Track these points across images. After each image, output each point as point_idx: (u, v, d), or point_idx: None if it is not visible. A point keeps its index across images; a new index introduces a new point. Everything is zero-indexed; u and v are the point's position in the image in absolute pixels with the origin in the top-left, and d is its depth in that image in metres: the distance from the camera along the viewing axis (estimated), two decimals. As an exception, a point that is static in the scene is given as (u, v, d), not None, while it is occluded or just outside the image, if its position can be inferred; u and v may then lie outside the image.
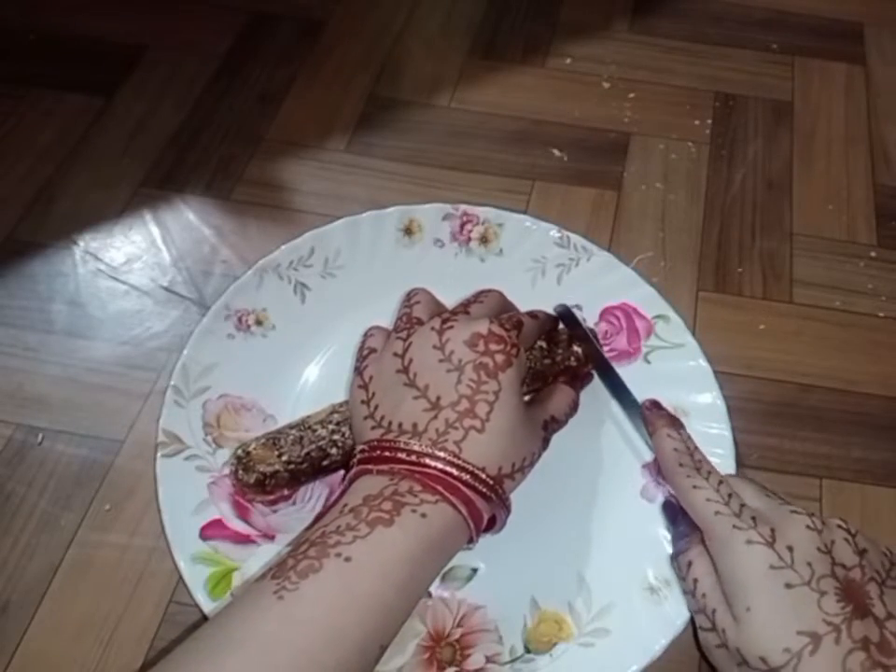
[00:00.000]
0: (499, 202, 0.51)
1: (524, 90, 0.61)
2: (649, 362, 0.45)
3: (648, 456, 0.42)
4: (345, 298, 0.47)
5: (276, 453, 0.38)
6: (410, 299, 0.41)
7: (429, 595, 0.38)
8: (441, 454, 0.33)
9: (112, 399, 0.45)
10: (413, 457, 0.33)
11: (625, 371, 0.44)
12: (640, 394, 0.43)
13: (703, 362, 0.44)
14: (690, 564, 0.36)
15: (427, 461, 0.33)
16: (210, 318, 0.45)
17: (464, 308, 0.39)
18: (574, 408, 0.41)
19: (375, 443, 0.35)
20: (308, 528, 0.38)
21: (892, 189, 0.56)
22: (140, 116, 0.58)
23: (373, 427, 0.36)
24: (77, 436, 0.44)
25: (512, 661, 0.37)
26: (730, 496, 0.36)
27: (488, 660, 0.37)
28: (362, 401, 0.37)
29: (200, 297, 0.49)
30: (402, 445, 0.34)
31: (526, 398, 0.40)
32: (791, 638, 0.32)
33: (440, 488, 0.33)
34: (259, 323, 0.45)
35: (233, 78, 0.61)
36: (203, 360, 0.43)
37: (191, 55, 0.62)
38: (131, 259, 0.51)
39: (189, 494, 0.40)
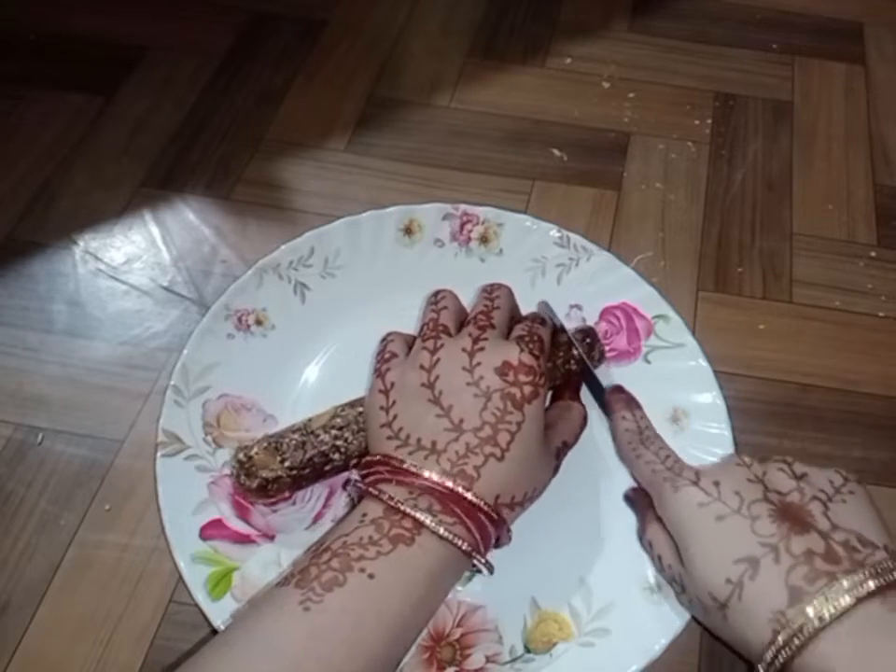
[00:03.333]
0: (499, 202, 0.51)
1: (524, 90, 0.61)
2: (649, 362, 0.45)
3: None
4: (345, 298, 0.47)
5: (278, 458, 0.38)
6: (437, 303, 0.40)
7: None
8: (461, 482, 0.33)
9: (112, 399, 0.45)
10: (430, 482, 0.33)
11: (625, 371, 0.44)
12: (640, 394, 0.43)
13: (703, 362, 0.44)
14: (650, 544, 0.37)
15: (448, 485, 0.33)
16: (210, 318, 0.45)
17: (487, 318, 0.39)
18: (585, 425, 0.41)
19: (383, 458, 0.35)
20: (327, 532, 0.38)
21: (892, 188, 0.56)
22: (140, 115, 0.58)
23: (389, 437, 0.35)
24: (77, 436, 0.44)
25: (512, 661, 0.37)
26: (667, 456, 0.37)
27: (488, 660, 0.37)
28: (381, 407, 0.37)
29: (200, 297, 0.49)
30: (414, 469, 0.33)
31: None
32: (730, 568, 0.32)
33: (458, 510, 0.33)
34: (258, 323, 0.45)
35: (233, 78, 0.61)
36: (202, 360, 0.43)
37: (191, 55, 0.62)
38: (131, 259, 0.51)
39: (188, 494, 0.40)
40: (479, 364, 0.36)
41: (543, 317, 0.41)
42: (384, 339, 0.41)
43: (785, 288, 0.51)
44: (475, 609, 0.38)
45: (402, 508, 0.32)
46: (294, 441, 0.38)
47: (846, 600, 0.29)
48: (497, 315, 0.39)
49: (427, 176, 0.55)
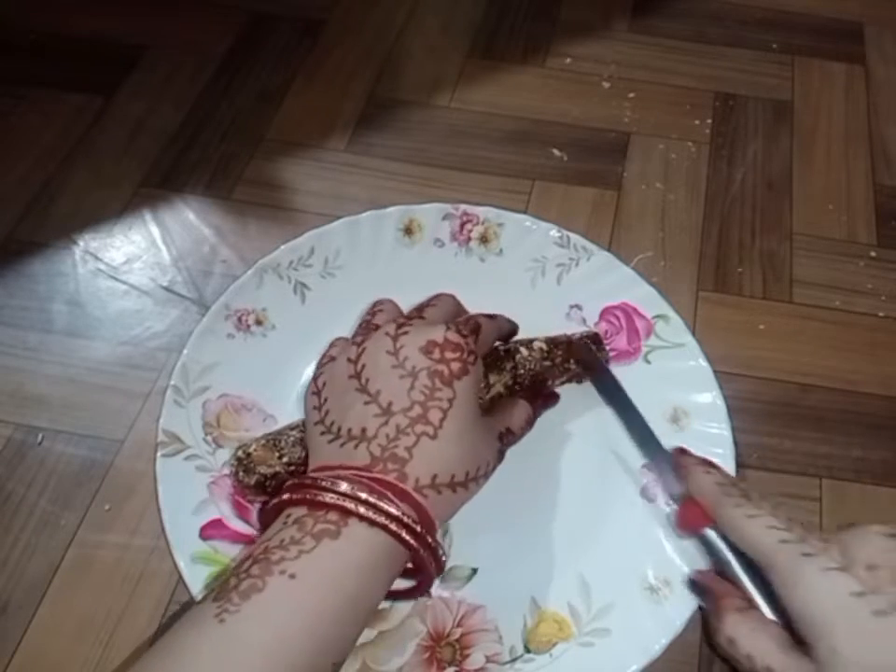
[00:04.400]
0: (499, 201, 0.51)
1: (524, 90, 0.61)
2: (649, 362, 0.45)
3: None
4: (345, 298, 0.47)
5: (277, 454, 0.38)
6: (373, 307, 0.41)
7: (429, 594, 0.38)
8: (392, 465, 0.32)
9: (112, 399, 0.45)
10: (363, 474, 0.32)
11: (625, 371, 0.44)
12: (640, 394, 0.43)
13: (703, 362, 0.44)
14: (731, 641, 0.32)
15: (381, 467, 0.32)
16: (210, 318, 0.45)
17: (418, 313, 0.39)
18: (530, 424, 0.40)
19: (323, 468, 0.33)
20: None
21: (892, 188, 0.56)
22: (140, 115, 0.58)
23: (322, 433, 0.35)
24: (76, 436, 0.44)
25: (512, 661, 0.37)
26: (790, 520, 0.33)
27: (488, 660, 0.37)
28: (314, 407, 0.37)
29: (200, 297, 0.49)
30: (351, 475, 0.32)
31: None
32: None
33: (389, 494, 0.31)
34: (258, 323, 0.45)
35: (233, 78, 0.61)
36: (202, 360, 0.44)
37: (191, 55, 0.62)
38: (130, 259, 0.51)
39: (188, 493, 0.40)
40: (403, 346, 0.35)
41: (493, 314, 0.40)
42: (330, 344, 0.41)
43: (785, 288, 0.51)
44: (475, 608, 0.39)
45: (326, 499, 0.31)
46: (292, 438, 0.38)
47: None
48: (431, 311, 0.39)
49: (426, 176, 0.55)
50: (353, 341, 0.38)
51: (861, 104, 0.61)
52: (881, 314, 0.50)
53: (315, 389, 0.37)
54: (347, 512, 0.31)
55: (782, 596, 0.31)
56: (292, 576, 0.29)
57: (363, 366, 0.36)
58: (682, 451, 0.40)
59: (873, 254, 0.53)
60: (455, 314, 0.41)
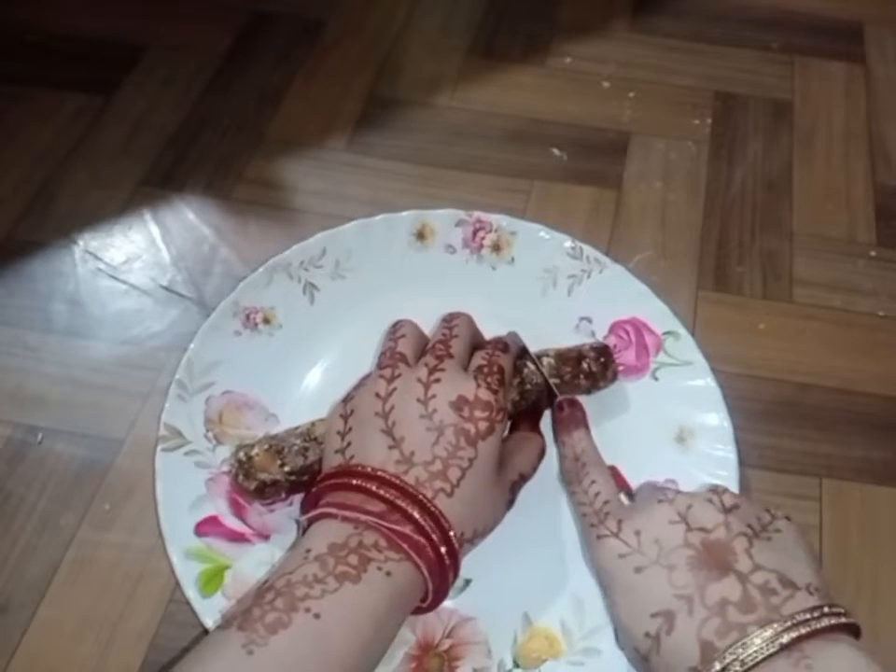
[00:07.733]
0: (499, 201, 0.51)
1: (523, 89, 0.61)
2: (656, 379, 0.44)
3: (647, 475, 0.41)
4: (354, 300, 0.46)
5: (279, 462, 0.38)
6: (395, 331, 0.40)
7: None
8: (416, 506, 0.33)
9: (112, 398, 0.45)
10: (384, 505, 0.33)
11: (633, 387, 0.44)
12: (647, 411, 0.43)
13: (711, 382, 0.43)
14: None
15: (398, 516, 0.33)
16: (218, 315, 0.44)
17: (445, 348, 0.38)
18: (542, 457, 0.40)
19: (344, 468, 0.34)
20: (272, 570, 0.37)
21: (892, 188, 0.56)
22: (140, 115, 0.58)
23: (340, 464, 0.35)
24: (76, 436, 0.44)
25: None
26: (597, 494, 0.36)
27: None
28: (338, 432, 0.36)
29: (199, 296, 0.49)
30: (371, 522, 0.33)
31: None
32: (648, 622, 0.31)
33: (405, 546, 0.32)
34: (266, 321, 0.45)
35: (233, 77, 0.61)
36: (208, 356, 0.43)
37: (191, 54, 0.62)
38: (130, 259, 0.51)
39: (186, 489, 0.40)
40: (434, 396, 0.35)
41: (506, 343, 0.40)
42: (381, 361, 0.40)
43: (785, 288, 0.51)
44: (466, 620, 0.38)
45: (348, 543, 0.32)
46: (296, 447, 0.38)
47: (752, 657, 0.29)
48: (456, 343, 0.38)
49: (426, 176, 0.55)
50: (380, 373, 0.37)
51: (860, 104, 0.61)
52: (881, 313, 0.50)
53: (344, 413, 0.37)
54: (368, 560, 0.32)
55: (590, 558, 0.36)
56: (317, 615, 0.30)
57: (392, 407, 0.36)
58: (567, 403, 0.41)
59: (873, 254, 0.53)
60: (475, 336, 0.41)
